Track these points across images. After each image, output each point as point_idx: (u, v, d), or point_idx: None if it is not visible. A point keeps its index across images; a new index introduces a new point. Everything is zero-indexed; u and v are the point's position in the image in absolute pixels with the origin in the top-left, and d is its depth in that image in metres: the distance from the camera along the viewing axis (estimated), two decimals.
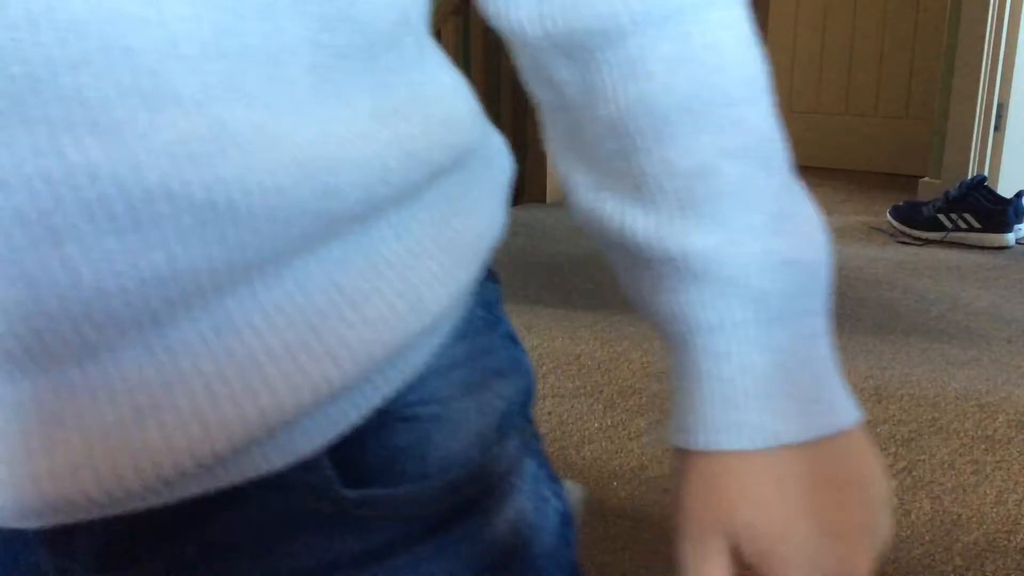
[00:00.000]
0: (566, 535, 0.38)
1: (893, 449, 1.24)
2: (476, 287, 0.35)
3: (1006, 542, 1.02)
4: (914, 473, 1.18)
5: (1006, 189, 2.53)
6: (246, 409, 0.27)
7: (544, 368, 1.54)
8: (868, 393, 1.43)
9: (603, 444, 1.26)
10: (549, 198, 3.09)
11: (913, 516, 1.07)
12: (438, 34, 3.25)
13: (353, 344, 0.28)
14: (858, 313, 1.84)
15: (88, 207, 0.24)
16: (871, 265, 2.22)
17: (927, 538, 1.03)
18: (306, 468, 0.30)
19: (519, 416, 0.37)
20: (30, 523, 0.27)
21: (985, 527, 1.05)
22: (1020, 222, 2.40)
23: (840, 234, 2.54)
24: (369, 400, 0.30)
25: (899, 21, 3.32)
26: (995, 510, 1.09)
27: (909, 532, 1.04)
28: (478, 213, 0.34)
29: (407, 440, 0.32)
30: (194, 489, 0.28)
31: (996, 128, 2.71)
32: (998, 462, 1.21)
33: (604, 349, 1.61)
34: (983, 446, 1.26)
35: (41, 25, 0.23)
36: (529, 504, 0.36)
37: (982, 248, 2.39)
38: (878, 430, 1.30)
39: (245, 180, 0.25)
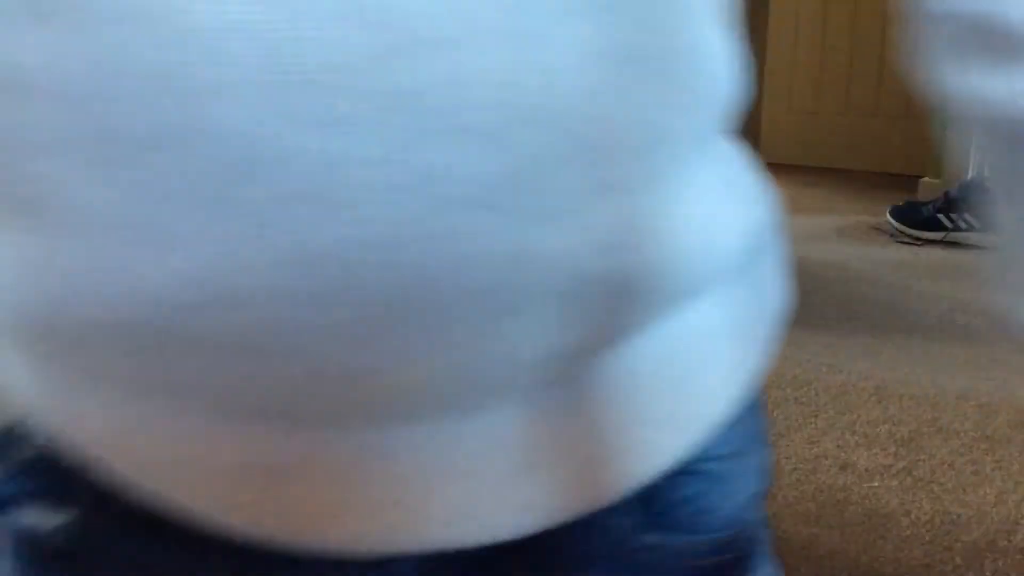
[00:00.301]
0: None
1: (893, 449, 1.25)
2: None
3: (1006, 542, 1.02)
4: (914, 473, 1.18)
5: None
6: (619, 470, 0.29)
7: None
8: (868, 393, 1.43)
9: None
10: None
11: (913, 516, 1.07)
12: None
13: (701, 413, 0.30)
14: (858, 313, 1.85)
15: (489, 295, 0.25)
16: (871, 265, 2.22)
17: (927, 538, 1.03)
18: (617, 511, 0.31)
19: (763, 483, 0.38)
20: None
21: (985, 527, 1.05)
22: None
23: (840, 234, 2.54)
24: (680, 456, 0.31)
25: (899, 22, 3.32)
26: (995, 510, 1.09)
27: (909, 532, 1.04)
28: (772, 296, 0.35)
29: (693, 493, 0.34)
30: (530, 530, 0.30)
31: None
32: (998, 462, 1.21)
33: None
34: (983, 446, 1.26)
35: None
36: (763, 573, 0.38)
37: (982, 248, 2.39)
38: (878, 430, 1.30)
39: (659, 264, 0.27)
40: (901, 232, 2.52)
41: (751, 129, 3.68)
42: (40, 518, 0.32)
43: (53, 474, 0.31)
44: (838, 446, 1.25)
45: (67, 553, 0.31)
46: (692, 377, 0.31)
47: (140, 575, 0.31)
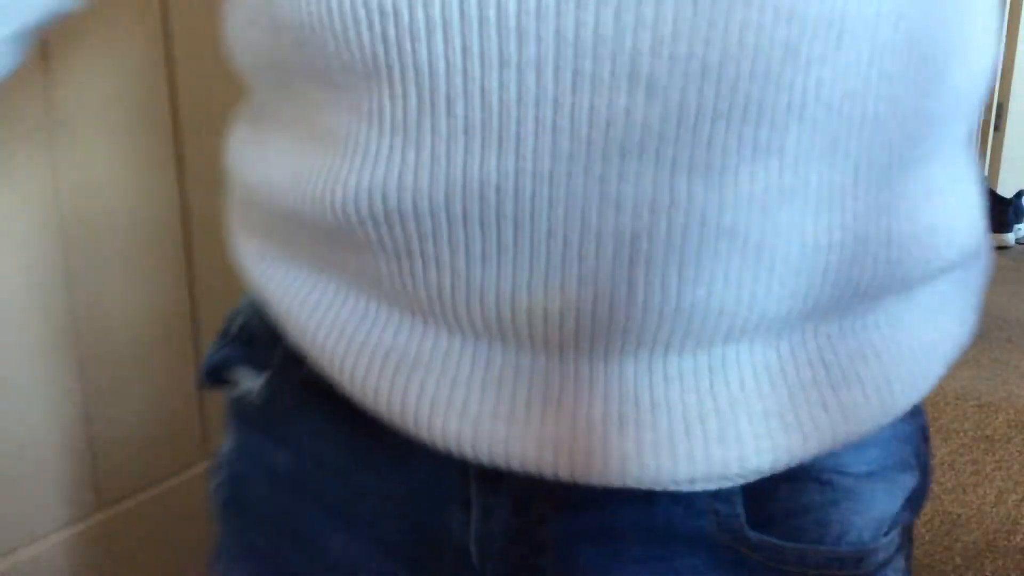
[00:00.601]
0: None
1: None
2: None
3: (1006, 542, 1.02)
4: None
5: (1006, 189, 2.53)
6: (728, 453, 0.29)
7: None
8: None
9: None
10: None
11: None
12: None
13: (858, 411, 0.30)
14: None
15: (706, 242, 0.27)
16: None
17: (927, 538, 1.03)
18: (721, 498, 0.32)
19: (908, 512, 0.36)
20: (504, 465, 0.31)
21: (985, 527, 1.05)
22: (1020, 222, 2.40)
23: None
24: (801, 456, 0.30)
25: None
26: (995, 510, 1.09)
27: None
28: (957, 317, 0.34)
29: (816, 502, 0.33)
30: (624, 485, 0.30)
31: (996, 128, 2.71)
32: (998, 462, 1.21)
33: None
34: (983, 446, 1.26)
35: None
36: None
37: None
38: None
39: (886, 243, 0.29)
40: None
41: None
42: (245, 380, 0.39)
43: (254, 342, 0.39)
44: None
45: (262, 411, 0.38)
46: (913, 351, 0.31)
47: (314, 439, 0.36)
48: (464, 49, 0.25)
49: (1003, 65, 2.64)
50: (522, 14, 0.25)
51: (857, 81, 0.26)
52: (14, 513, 0.68)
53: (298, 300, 0.34)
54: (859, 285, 0.29)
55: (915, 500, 0.37)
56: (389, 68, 0.26)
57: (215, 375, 0.42)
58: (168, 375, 0.78)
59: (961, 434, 1.29)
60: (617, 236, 0.27)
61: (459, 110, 0.26)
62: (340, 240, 0.30)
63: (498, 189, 0.26)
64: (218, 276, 0.81)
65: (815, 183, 0.27)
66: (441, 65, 0.26)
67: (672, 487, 0.29)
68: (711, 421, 0.29)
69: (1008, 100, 2.67)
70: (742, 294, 0.27)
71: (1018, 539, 1.03)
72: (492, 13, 0.25)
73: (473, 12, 0.25)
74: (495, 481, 0.33)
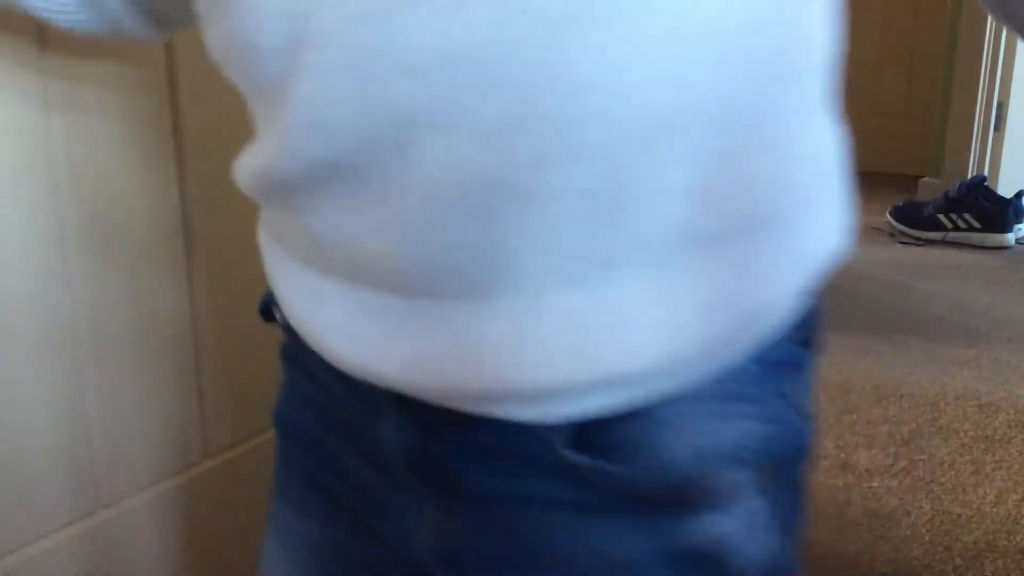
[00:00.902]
0: None
1: (893, 449, 1.24)
2: (756, 349, 0.39)
3: (1006, 542, 1.02)
4: (914, 473, 1.18)
5: (1006, 189, 2.53)
6: (561, 369, 0.35)
7: None
8: (868, 393, 1.43)
9: None
10: None
11: (913, 516, 1.07)
12: None
13: (636, 349, 0.35)
14: (858, 313, 1.84)
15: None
16: (871, 265, 2.22)
17: (927, 538, 1.03)
18: (554, 430, 0.37)
19: (765, 461, 0.39)
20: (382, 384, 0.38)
21: (985, 527, 1.05)
22: (1020, 222, 2.40)
23: None
24: (618, 401, 0.36)
25: (899, 21, 3.32)
26: (995, 510, 1.09)
27: (909, 532, 1.04)
28: (761, 284, 0.38)
29: (634, 432, 0.37)
30: (479, 408, 0.37)
31: (996, 128, 2.71)
32: (998, 462, 1.21)
33: None
34: (983, 446, 1.26)
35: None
36: (735, 535, 0.40)
37: (982, 248, 2.39)
38: (878, 430, 1.30)
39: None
40: (901, 232, 2.52)
41: None
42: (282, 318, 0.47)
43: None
44: (838, 446, 1.25)
45: (294, 347, 0.46)
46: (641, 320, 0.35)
47: (326, 370, 0.42)
48: (287, 69, 0.34)
49: (1003, 65, 2.64)
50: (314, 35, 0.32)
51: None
52: (14, 513, 0.68)
53: (267, 255, 0.44)
54: (708, 230, 0.35)
55: (777, 452, 0.40)
56: (256, 87, 0.36)
57: (267, 313, 0.50)
58: (169, 375, 0.78)
59: (961, 434, 1.29)
60: (426, 197, 0.33)
61: (290, 116, 0.34)
62: (263, 205, 0.42)
63: (334, 166, 0.34)
64: (218, 275, 0.81)
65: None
66: (271, 86, 0.35)
67: (499, 415, 0.37)
68: (528, 352, 0.35)
69: (1008, 100, 2.67)
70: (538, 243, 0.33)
71: (1018, 539, 1.03)
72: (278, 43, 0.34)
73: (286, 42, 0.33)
74: (401, 400, 0.39)
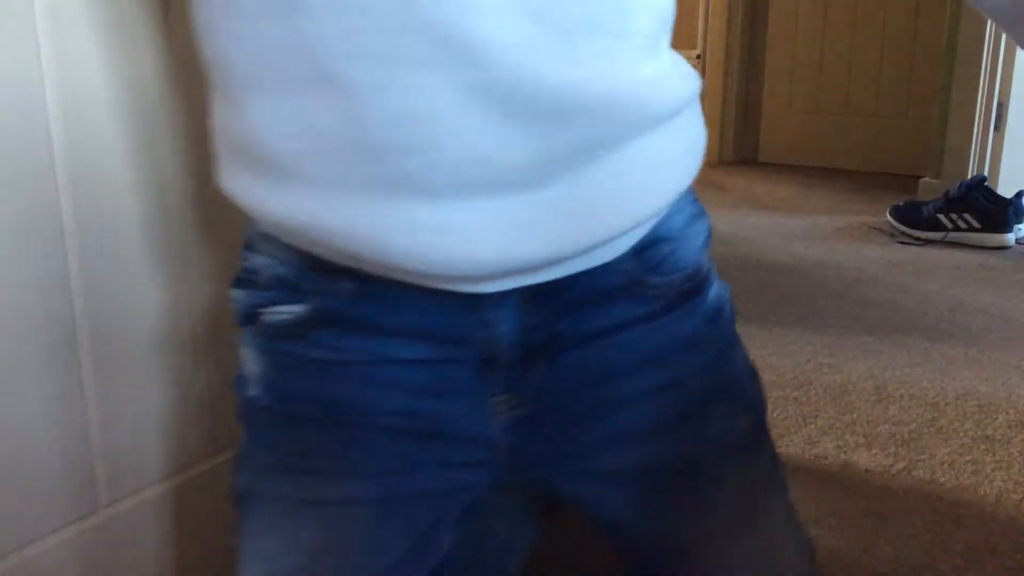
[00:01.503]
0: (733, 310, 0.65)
1: (893, 449, 1.25)
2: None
3: (1006, 542, 1.02)
4: (914, 473, 1.18)
5: (1006, 189, 2.53)
6: (624, 215, 0.50)
7: None
8: (868, 393, 1.43)
9: None
10: None
11: (913, 516, 1.07)
12: None
13: (653, 194, 0.52)
14: (858, 313, 1.85)
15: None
16: (871, 265, 2.22)
17: (927, 538, 1.03)
18: (625, 261, 0.54)
19: (708, 240, 0.61)
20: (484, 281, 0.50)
21: (985, 527, 1.05)
22: (1020, 222, 2.40)
23: (840, 234, 2.54)
24: (648, 227, 0.54)
25: (899, 21, 3.32)
26: (995, 510, 1.09)
27: (909, 532, 1.04)
28: (694, 143, 0.56)
29: (667, 250, 0.57)
30: (580, 265, 0.52)
31: (996, 128, 2.71)
32: (998, 462, 1.21)
33: None
34: (983, 446, 1.26)
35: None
36: (719, 290, 0.62)
37: (982, 248, 2.39)
38: (878, 430, 1.30)
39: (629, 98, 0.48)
40: (901, 232, 2.52)
41: (750, 129, 3.68)
42: (279, 312, 0.54)
43: (284, 286, 0.53)
44: (838, 446, 1.25)
45: (300, 325, 0.53)
46: (658, 167, 0.52)
47: (333, 351, 0.53)
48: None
49: (1003, 65, 2.64)
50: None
51: None
52: (14, 513, 0.68)
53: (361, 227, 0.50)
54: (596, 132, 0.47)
55: (709, 230, 0.62)
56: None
57: (251, 318, 0.56)
58: (169, 375, 0.78)
59: (961, 434, 1.29)
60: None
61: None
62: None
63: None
64: (218, 275, 0.81)
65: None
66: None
67: (594, 263, 0.53)
68: (625, 198, 0.51)
69: (1008, 100, 2.67)
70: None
71: (1018, 539, 1.03)
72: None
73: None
74: (510, 298, 0.52)
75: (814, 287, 2.02)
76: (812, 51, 3.49)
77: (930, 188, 2.81)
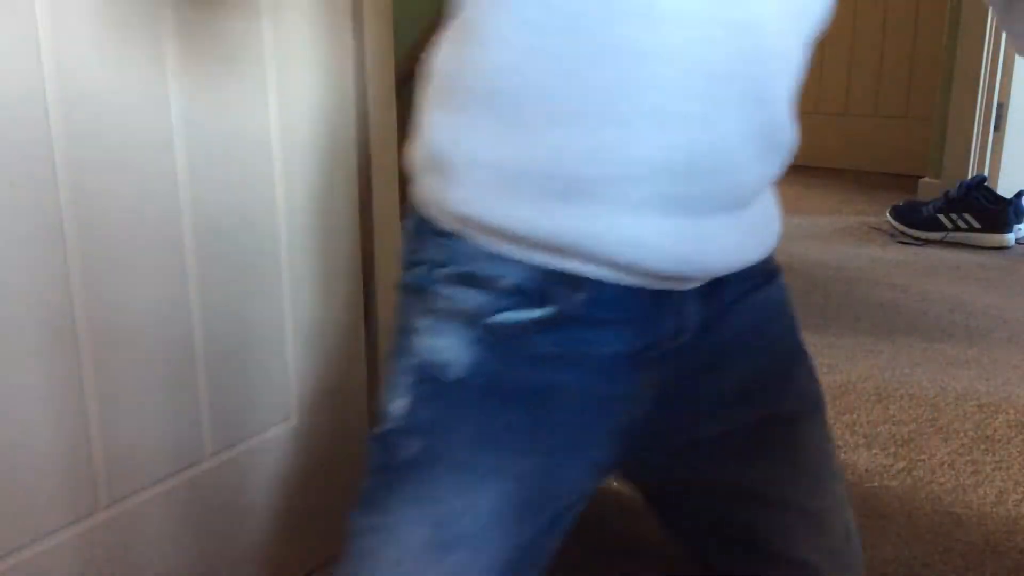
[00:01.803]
0: None
1: (893, 449, 1.24)
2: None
3: (1006, 542, 1.02)
4: (914, 473, 1.18)
5: (1006, 189, 2.53)
6: (762, 248, 0.70)
7: None
8: (868, 393, 1.43)
9: None
10: None
11: (913, 516, 1.07)
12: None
13: (778, 217, 0.73)
14: (858, 313, 1.84)
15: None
16: (871, 265, 2.22)
17: (927, 538, 1.03)
18: (761, 262, 0.72)
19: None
20: (685, 283, 0.66)
21: (985, 527, 1.05)
22: (1020, 222, 2.40)
23: (840, 234, 2.54)
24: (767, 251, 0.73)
25: (899, 21, 3.32)
26: (995, 510, 1.09)
27: (909, 532, 1.04)
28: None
29: (772, 266, 0.77)
30: (735, 268, 0.68)
31: (996, 128, 2.71)
32: (998, 462, 1.21)
33: None
34: (983, 446, 1.26)
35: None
36: (780, 273, 0.78)
37: (982, 248, 2.39)
38: (878, 430, 1.30)
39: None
40: (901, 232, 2.52)
41: None
42: (518, 316, 0.63)
43: (526, 293, 0.62)
44: (838, 446, 1.25)
45: (527, 330, 0.63)
46: (772, 216, 0.72)
47: (590, 331, 0.64)
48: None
49: (1003, 65, 2.64)
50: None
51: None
52: (14, 513, 0.68)
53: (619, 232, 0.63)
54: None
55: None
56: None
57: (477, 317, 0.63)
58: (169, 374, 0.78)
59: (961, 434, 1.29)
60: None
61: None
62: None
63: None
64: (217, 275, 0.81)
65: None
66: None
67: (742, 266, 0.68)
68: (755, 237, 0.69)
69: (1008, 100, 2.67)
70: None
71: (1018, 539, 1.03)
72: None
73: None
74: (695, 289, 0.68)
75: (814, 287, 2.02)
76: (812, 51, 3.49)
77: (930, 188, 2.81)
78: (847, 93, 3.44)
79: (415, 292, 0.67)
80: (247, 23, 0.79)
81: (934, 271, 2.19)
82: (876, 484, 1.14)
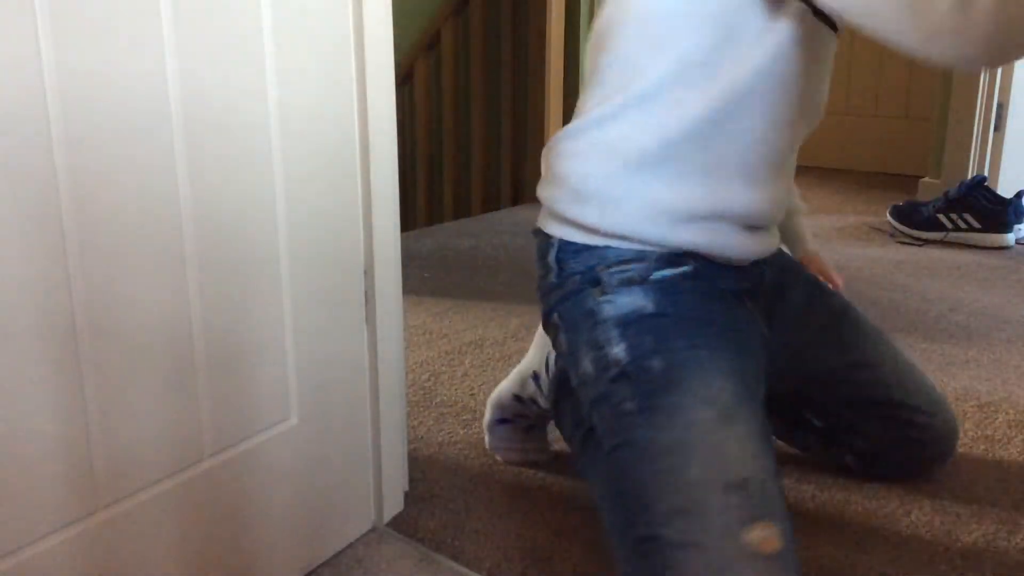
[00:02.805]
0: None
1: None
2: None
3: (1006, 542, 1.02)
4: None
5: (1006, 189, 2.53)
6: (779, 241, 1.07)
7: None
8: None
9: None
10: None
11: (913, 516, 1.07)
12: (437, 35, 3.25)
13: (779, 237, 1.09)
14: None
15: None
16: (871, 265, 2.22)
17: (927, 538, 1.03)
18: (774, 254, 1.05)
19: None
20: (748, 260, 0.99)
21: (985, 527, 1.05)
22: (1020, 222, 2.40)
23: (840, 234, 2.54)
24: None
25: None
26: (995, 510, 1.09)
27: (909, 532, 1.04)
28: None
29: (787, 259, 1.15)
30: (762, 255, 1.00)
31: (996, 128, 2.71)
32: (998, 462, 1.21)
33: None
34: (983, 446, 1.26)
35: None
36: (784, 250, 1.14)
37: (982, 248, 2.39)
38: None
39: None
40: (901, 232, 2.52)
41: None
42: (673, 271, 0.91)
43: (669, 261, 0.92)
44: None
45: (688, 277, 0.92)
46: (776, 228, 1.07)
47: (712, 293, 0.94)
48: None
49: (1003, 65, 2.63)
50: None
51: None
52: (14, 513, 0.68)
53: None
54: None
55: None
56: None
57: (644, 276, 0.91)
58: (169, 374, 0.78)
59: (961, 434, 1.29)
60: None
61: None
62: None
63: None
64: (217, 275, 0.81)
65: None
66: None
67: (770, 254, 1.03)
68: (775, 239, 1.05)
69: (1008, 100, 2.67)
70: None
71: (1018, 539, 1.03)
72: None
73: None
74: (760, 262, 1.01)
75: None
76: None
77: (930, 188, 2.81)
78: (847, 93, 3.44)
79: (587, 285, 0.91)
80: (248, 23, 0.79)
81: (934, 271, 2.19)
82: (876, 484, 1.14)
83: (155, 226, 0.74)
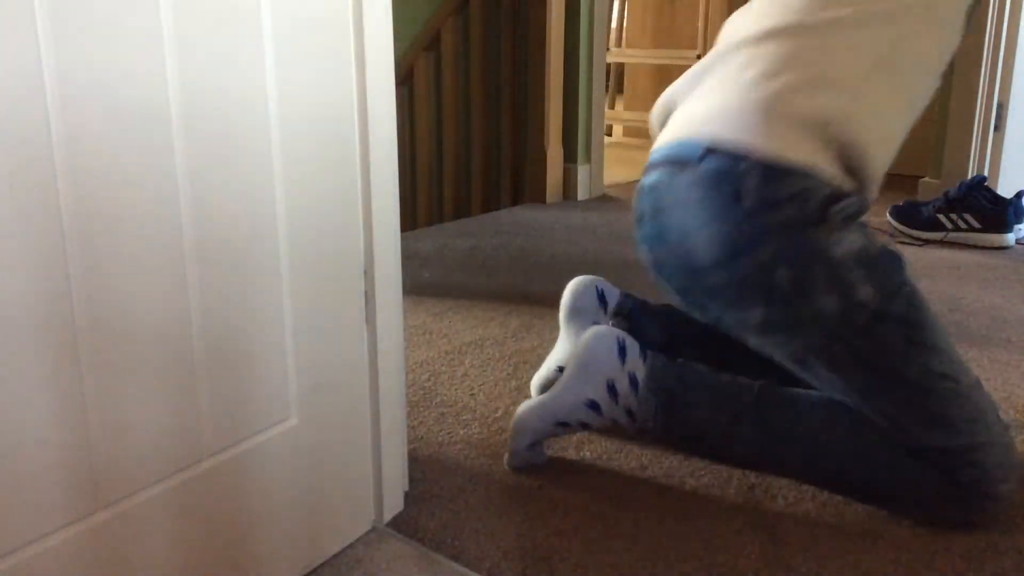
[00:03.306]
0: None
1: None
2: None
3: (1006, 542, 1.02)
4: None
5: (1006, 189, 2.53)
6: None
7: None
8: None
9: (603, 444, 1.26)
10: (549, 198, 3.09)
11: (913, 516, 1.07)
12: (437, 35, 3.25)
13: None
14: None
15: None
16: None
17: (927, 538, 1.03)
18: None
19: None
20: None
21: (985, 527, 1.05)
22: (1020, 222, 2.40)
23: None
24: None
25: None
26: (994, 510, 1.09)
27: (909, 532, 1.04)
28: None
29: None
30: None
31: (996, 128, 2.71)
32: None
33: None
34: None
35: None
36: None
37: (982, 248, 2.39)
38: None
39: None
40: (901, 232, 2.52)
41: None
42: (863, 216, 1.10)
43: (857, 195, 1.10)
44: None
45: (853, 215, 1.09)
46: None
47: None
48: None
49: (1003, 65, 2.64)
50: None
51: None
52: (13, 513, 0.68)
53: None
54: None
55: None
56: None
57: (854, 217, 1.09)
58: (169, 374, 0.78)
59: None
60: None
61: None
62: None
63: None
64: (217, 274, 0.81)
65: None
66: None
67: None
68: None
69: (1008, 100, 2.67)
70: None
71: (1018, 539, 1.03)
72: None
73: None
74: None
75: None
76: None
77: (930, 188, 2.81)
78: None
79: (813, 225, 1.04)
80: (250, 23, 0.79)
81: (934, 271, 2.19)
82: None
83: (155, 226, 0.74)
